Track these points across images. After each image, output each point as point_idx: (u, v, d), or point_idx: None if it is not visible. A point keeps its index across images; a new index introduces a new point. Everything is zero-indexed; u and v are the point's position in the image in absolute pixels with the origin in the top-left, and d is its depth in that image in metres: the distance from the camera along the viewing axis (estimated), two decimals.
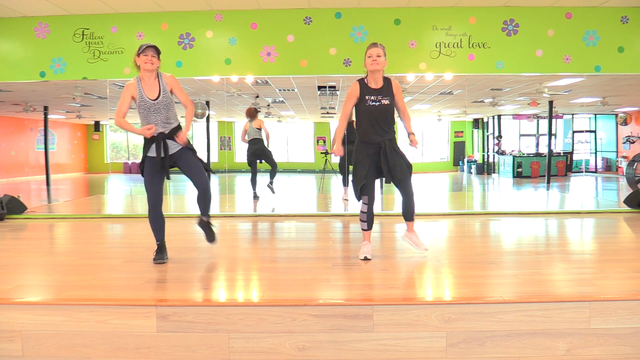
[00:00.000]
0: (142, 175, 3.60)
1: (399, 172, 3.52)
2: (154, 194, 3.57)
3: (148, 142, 3.52)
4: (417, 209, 6.33)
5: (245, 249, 4.31)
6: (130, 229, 5.45)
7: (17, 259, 3.81)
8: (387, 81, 3.61)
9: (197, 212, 3.73)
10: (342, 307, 2.56)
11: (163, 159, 3.47)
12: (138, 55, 3.44)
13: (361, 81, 3.61)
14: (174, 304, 2.59)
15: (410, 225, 3.78)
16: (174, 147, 3.53)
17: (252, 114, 7.82)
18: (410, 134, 3.70)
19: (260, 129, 7.77)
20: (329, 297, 2.73)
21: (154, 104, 3.46)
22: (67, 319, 2.56)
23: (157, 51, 3.47)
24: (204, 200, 3.65)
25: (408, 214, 3.72)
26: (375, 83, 3.57)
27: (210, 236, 3.77)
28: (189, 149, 3.58)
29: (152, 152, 3.52)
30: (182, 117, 3.67)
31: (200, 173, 3.59)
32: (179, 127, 3.59)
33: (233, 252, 4.14)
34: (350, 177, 3.77)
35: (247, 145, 7.87)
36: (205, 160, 3.71)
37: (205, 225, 3.75)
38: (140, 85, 3.49)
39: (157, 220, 3.63)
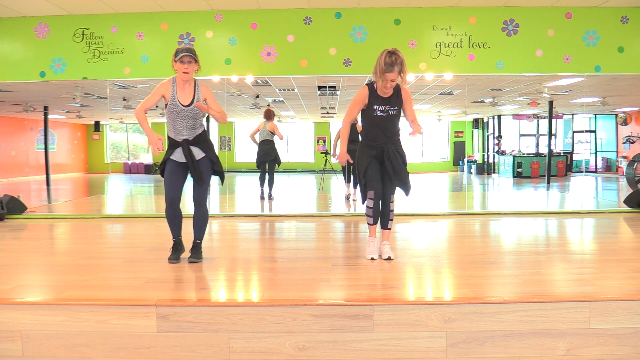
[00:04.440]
0: (162, 176, 3.59)
1: (403, 175, 3.53)
2: (172, 192, 3.55)
3: (172, 147, 3.53)
4: (417, 209, 6.36)
5: (245, 249, 4.31)
6: (130, 229, 5.45)
7: (17, 259, 3.81)
8: (396, 89, 3.54)
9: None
10: (342, 307, 2.56)
11: (192, 164, 3.47)
12: (175, 60, 3.41)
13: (370, 87, 3.54)
14: (174, 304, 2.59)
15: (384, 234, 3.73)
16: (197, 154, 3.54)
17: (269, 115, 7.91)
18: (412, 121, 3.58)
19: (273, 133, 7.85)
20: (329, 297, 2.73)
21: (184, 110, 3.45)
22: (67, 319, 2.56)
23: (194, 56, 3.41)
24: (199, 219, 3.60)
25: (384, 220, 3.68)
26: (385, 92, 3.52)
27: (195, 256, 3.61)
28: (210, 159, 3.55)
29: (175, 156, 3.52)
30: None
31: (203, 188, 3.57)
32: (204, 133, 3.58)
33: (233, 252, 4.14)
34: (358, 180, 3.76)
35: (257, 146, 8.00)
36: (221, 164, 3.67)
37: (194, 246, 3.66)
38: (175, 88, 3.47)
39: (174, 217, 3.61)
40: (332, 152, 8.10)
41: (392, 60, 3.35)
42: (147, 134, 3.46)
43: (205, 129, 3.65)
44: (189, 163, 3.48)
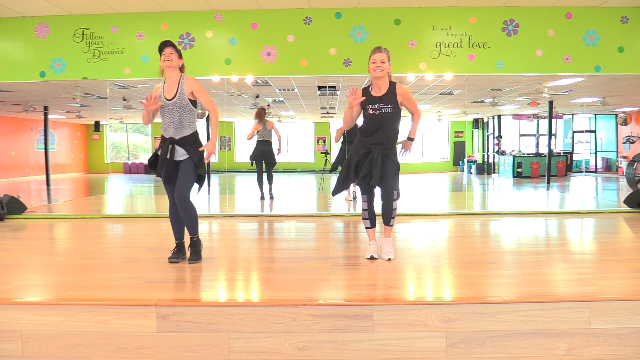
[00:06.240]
0: (150, 167, 3.61)
1: (375, 179, 3.50)
2: (169, 192, 3.58)
3: (162, 142, 3.54)
4: (417, 209, 6.36)
5: (245, 249, 4.31)
6: (130, 229, 5.45)
7: (17, 259, 3.81)
8: (391, 87, 3.53)
9: (201, 211, 3.69)
10: (342, 307, 2.56)
11: (167, 161, 3.46)
12: (160, 56, 3.48)
13: (365, 90, 3.58)
14: (174, 304, 2.59)
15: (386, 230, 3.72)
16: (180, 155, 3.51)
17: (261, 115, 7.91)
18: (409, 138, 3.68)
19: (271, 130, 7.85)
20: (329, 297, 2.73)
21: (168, 104, 3.46)
22: (67, 319, 2.56)
23: (176, 49, 3.49)
24: (185, 218, 3.55)
25: (386, 216, 3.65)
26: (379, 90, 3.52)
27: (193, 256, 3.61)
28: (192, 161, 3.51)
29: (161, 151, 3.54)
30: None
31: (183, 184, 3.49)
32: (194, 135, 3.54)
33: (233, 252, 4.14)
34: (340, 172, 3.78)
35: (254, 144, 7.95)
36: (205, 169, 3.64)
37: (191, 245, 3.64)
38: (163, 85, 3.53)
39: (176, 218, 3.62)
40: (334, 138, 8.08)
41: (378, 47, 3.49)
42: (146, 108, 3.45)
43: (196, 132, 3.58)
44: (162, 161, 3.46)
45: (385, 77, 3.50)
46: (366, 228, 3.76)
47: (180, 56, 3.52)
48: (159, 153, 3.55)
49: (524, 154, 15.38)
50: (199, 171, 3.55)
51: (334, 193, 3.76)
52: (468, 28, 5.88)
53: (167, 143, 3.48)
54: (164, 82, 3.54)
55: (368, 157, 3.54)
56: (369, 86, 3.59)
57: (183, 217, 3.56)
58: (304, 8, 5.87)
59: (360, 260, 3.63)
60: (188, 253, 3.66)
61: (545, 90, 9.46)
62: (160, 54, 3.47)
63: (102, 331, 2.55)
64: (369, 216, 3.71)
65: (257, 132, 7.92)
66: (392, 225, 3.70)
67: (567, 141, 16.64)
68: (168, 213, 3.67)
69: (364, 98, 3.53)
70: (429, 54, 5.91)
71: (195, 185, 3.61)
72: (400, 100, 3.53)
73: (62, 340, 2.55)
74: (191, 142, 3.53)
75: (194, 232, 3.63)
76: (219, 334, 2.54)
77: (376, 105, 3.51)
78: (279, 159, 8.19)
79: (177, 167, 3.52)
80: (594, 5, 5.77)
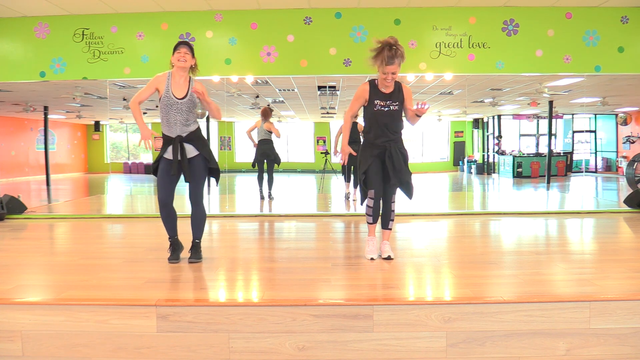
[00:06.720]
0: (155, 175, 3.59)
1: (405, 175, 3.54)
2: (165, 193, 3.55)
3: (166, 144, 3.53)
4: (417, 209, 6.36)
5: (245, 249, 4.31)
6: (130, 229, 5.45)
7: (17, 259, 3.81)
8: (397, 85, 3.57)
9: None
10: (342, 307, 2.56)
11: (181, 162, 3.47)
12: (173, 54, 3.49)
13: (372, 83, 3.58)
14: (174, 304, 2.59)
15: (385, 234, 3.74)
16: (190, 152, 3.53)
17: (266, 114, 7.89)
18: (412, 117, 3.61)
19: (270, 132, 7.83)
20: (329, 297, 2.73)
21: (177, 102, 3.47)
22: (67, 319, 2.56)
23: (191, 50, 3.51)
24: (196, 218, 3.61)
25: (385, 220, 3.68)
26: (387, 88, 3.55)
27: (194, 256, 3.62)
28: (203, 157, 3.54)
29: (168, 154, 3.52)
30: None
31: (198, 187, 3.56)
32: (197, 130, 3.58)
33: (233, 252, 4.14)
34: (358, 179, 3.76)
35: (255, 145, 7.94)
36: (216, 161, 3.66)
37: (193, 246, 3.65)
38: (170, 81, 3.50)
39: (168, 217, 3.62)
40: (332, 151, 8.09)
41: (392, 54, 3.34)
42: (140, 128, 3.46)
43: (200, 127, 3.63)
44: (174, 161, 3.46)
45: None
46: (368, 223, 3.73)
47: (193, 56, 3.54)
48: (165, 156, 3.53)
49: (524, 154, 15.38)
50: (211, 164, 3.58)
51: (362, 202, 3.75)
52: (468, 28, 5.88)
53: (176, 144, 3.47)
54: (169, 77, 3.50)
55: (386, 155, 3.53)
56: (375, 79, 3.58)
57: (195, 217, 3.61)
58: (304, 8, 5.87)
59: (360, 260, 3.63)
60: (188, 254, 3.66)
61: (545, 90, 9.46)
62: (174, 52, 3.47)
63: (102, 331, 2.55)
64: (374, 213, 3.68)
65: (256, 129, 7.91)
66: (390, 229, 3.72)
67: (567, 141, 16.65)
68: (165, 212, 3.59)
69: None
70: (429, 54, 5.91)
71: (212, 183, 3.63)
72: (405, 98, 3.58)
73: (62, 340, 2.55)
74: (197, 136, 3.57)
75: (199, 235, 3.65)
76: (219, 334, 2.54)
77: (384, 102, 3.53)
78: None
79: (188, 164, 3.52)
80: (594, 5, 5.77)
